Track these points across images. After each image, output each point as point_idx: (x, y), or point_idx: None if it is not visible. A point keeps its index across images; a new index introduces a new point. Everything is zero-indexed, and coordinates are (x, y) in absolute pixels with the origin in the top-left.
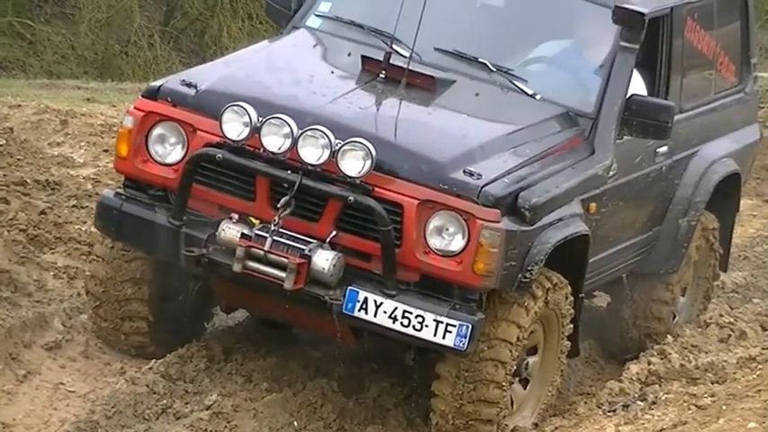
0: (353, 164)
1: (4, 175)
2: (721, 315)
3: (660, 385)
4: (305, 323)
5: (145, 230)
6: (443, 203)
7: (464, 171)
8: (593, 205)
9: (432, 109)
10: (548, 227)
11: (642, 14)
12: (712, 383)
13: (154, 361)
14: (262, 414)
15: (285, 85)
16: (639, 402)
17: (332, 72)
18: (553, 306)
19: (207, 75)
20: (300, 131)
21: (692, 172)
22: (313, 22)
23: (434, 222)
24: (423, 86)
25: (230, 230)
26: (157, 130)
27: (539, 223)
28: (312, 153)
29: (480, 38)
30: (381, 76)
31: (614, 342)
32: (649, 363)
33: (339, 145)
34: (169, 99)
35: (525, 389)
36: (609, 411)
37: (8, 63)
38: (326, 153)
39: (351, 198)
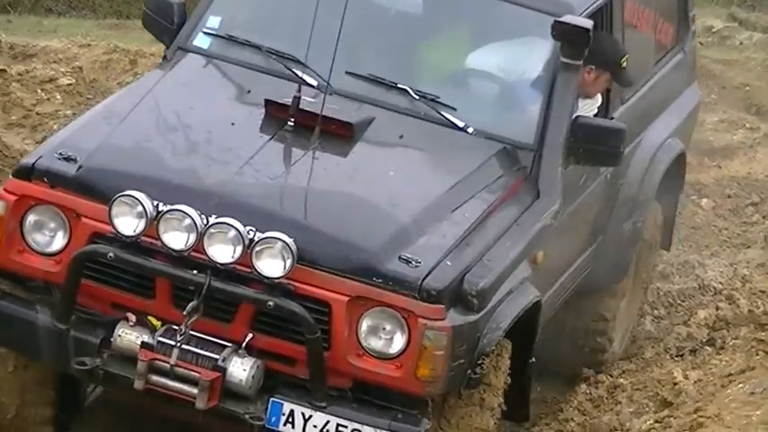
0: (271, 264)
1: (74, 114)
2: None
3: (728, 330)
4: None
5: (25, 334)
6: (378, 300)
7: (400, 258)
8: (539, 255)
9: (353, 168)
10: (497, 306)
11: (586, 30)
12: None
13: None
14: None
15: (180, 154)
16: (707, 347)
17: (232, 124)
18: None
19: (87, 142)
20: (206, 226)
21: (635, 168)
22: (201, 41)
23: (368, 321)
24: (339, 133)
25: (128, 336)
26: (33, 216)
27: (487, 307)
28: (221, 251)
29: (397, 54)
30: (290, 123)
31: (563, 366)
32: (717, 308)
33: (252, 236)
34: (45, 179)
35: None
36: (676, 356)
37: (78, 3)
38: (239, 249)
39: (270, 303)
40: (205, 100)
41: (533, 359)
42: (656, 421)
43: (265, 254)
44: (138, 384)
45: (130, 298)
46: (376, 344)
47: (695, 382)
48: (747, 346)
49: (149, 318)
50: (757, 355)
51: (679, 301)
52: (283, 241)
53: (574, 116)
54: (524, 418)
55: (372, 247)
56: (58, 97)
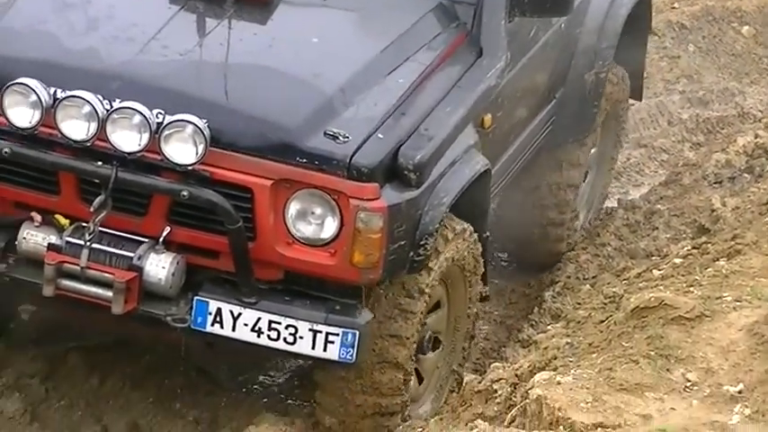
0: (182, 149)
1: None
2: None
3: (767, 158)
4: (148, 338)
5: None
6: (304, 182)
7: (325, 133)
8: (487, 118)
9: (272, 37)
10: (438, 180)
11: None
12: None
13: None
14: None
15: (78, 33)
16: (746, 175)
17: None
18: (459, 260)
19: None
20: (108, 112)
21: (593, 13)
22: None
23: (295, 206)
24: (254, 1)
25: (33, 238)
26: None
27: (427, 181)
28: (126, 138)
29: None
30: None
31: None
32: (756, 135)
33: (160, 120)
34: None
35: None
36: (715, 183)
37: None
38: (145, 135)
39: (184, 193)
40: None
41: (488, 234)
42: (694, 247)
43: (175, 139)
44: (47, 291)
45: (34, 196)
46: (306, 230)
47: (733, 209)
48: None
49: (57, 216)
50: None
51: (718, 128)
52: (194, 124)
53: None
54: (483, 299)
55: (294, 123)
56: None
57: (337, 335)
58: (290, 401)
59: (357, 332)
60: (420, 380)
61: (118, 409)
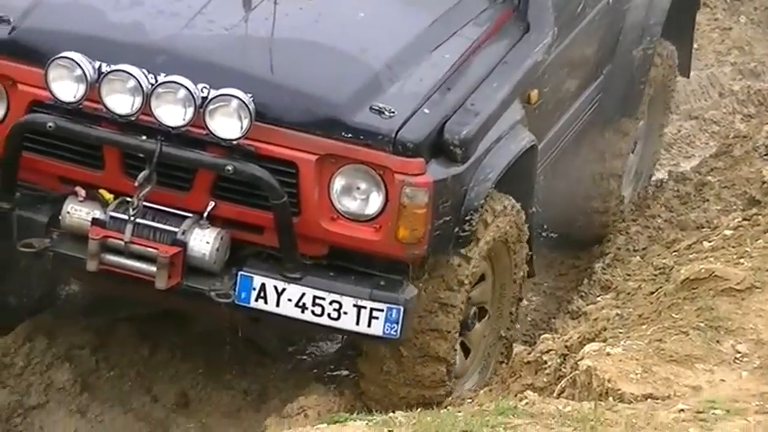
0: (226, 124)
1: None
2: None
3: None
4: (193, 312)
5: None
6: (349, 157)
7: (371, 108)
8: (533, 93)
9: (318, 12)
10: (484, 156)
11: None
12: None
13: None
14: None
15: (123, 7)
16: None
17: None
18: (501, 237)
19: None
20: (153, 86)
21: None
22: None
23: (340, 181)
24: None
25: (77, 213)
26: None
27: (473, 157)
28: (171, 112)
29: None
30: None
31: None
32: None
33: (205, 95)
34: None
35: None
36: (765, 155)
37: None
38: (190, 110)
39: (229, 168)
40: None
41: (534, 209)
42: (744, 219)
43: (220, 113)
44: (91, 265)
45: (78, 170)
46: (350, 205)
47: None
48: None
49: (101, 191)
50: None
51: None
52: (239, 98)
53: None
54: (529, 275)
55: (340, 98)
56: None
57: (382, 311)
58: (339, 372)
59: (402, 308)
60: (467, 353)
61: (167, 379)
